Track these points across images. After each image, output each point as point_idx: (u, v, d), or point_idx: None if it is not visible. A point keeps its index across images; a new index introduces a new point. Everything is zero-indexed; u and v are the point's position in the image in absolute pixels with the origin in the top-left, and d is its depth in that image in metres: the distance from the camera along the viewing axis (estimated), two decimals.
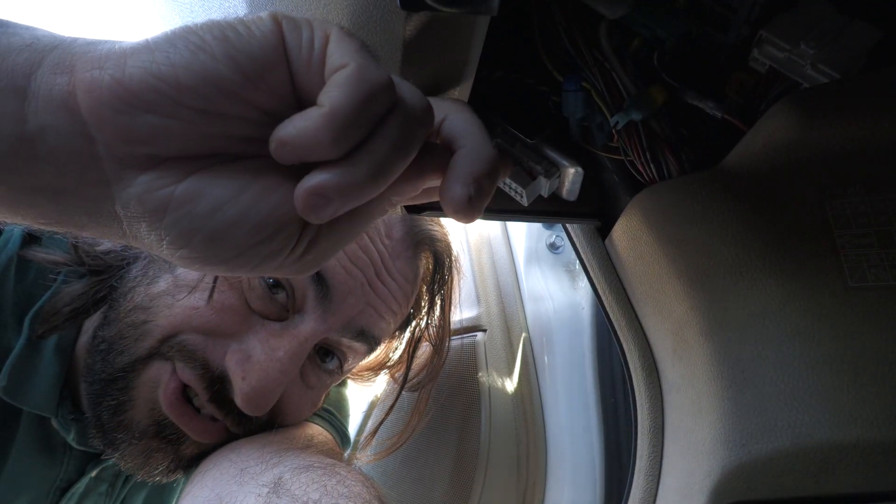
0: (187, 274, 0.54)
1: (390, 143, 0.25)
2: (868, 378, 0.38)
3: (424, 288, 0.67)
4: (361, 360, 0.63)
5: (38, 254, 0.58)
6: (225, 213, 0.26)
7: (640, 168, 0.47)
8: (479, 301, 0.86)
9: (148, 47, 0.24)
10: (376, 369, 0.77)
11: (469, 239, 0.91)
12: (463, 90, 0.34)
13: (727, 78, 0.46)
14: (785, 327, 0.41)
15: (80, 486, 0.61)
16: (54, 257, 0.58)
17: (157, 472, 0.56)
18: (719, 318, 0.44)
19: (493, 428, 0.78)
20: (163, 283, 0.55)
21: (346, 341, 0.58)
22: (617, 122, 0.45)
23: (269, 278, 0.54)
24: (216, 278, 0.54)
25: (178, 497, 0.72)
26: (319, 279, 0.54)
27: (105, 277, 0.58)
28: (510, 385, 0.82)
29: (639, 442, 0.53)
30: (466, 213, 0.27)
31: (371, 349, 0.61)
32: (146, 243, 0.27)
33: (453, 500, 0.78)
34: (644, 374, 0.52)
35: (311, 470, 0.43)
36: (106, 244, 0.60)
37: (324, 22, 0.26)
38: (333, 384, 0.65)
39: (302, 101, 0.26)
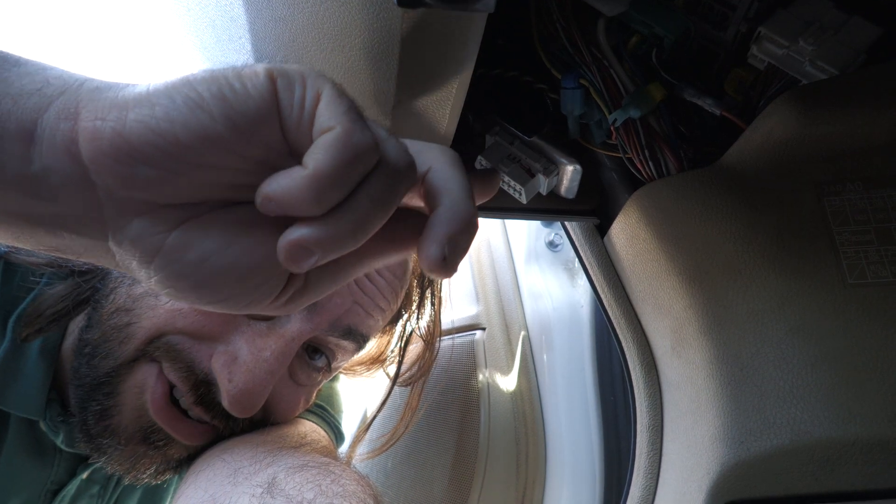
0: None
1: (371, 200, 0.27)
2: (867, 375, 0.38)
3: (415, 282, 0.67)
4: (351, 358, 0.63)
5: (22, 256, 0.58)
6: (212, 265, 0.28)
7: (639, 165, 0.47)
8: (478, 299, 0.86)
9: (149, 100, 0.26)
10: (368, 364, 0.76)
11: None
12: (460, 88, 0.33)
13: (726, 75, 0.46)
14: (784, 325, 0.41)
15: (72, 487, 0.60)
16: (38, 259, 0.58)
17: (145, 475, 0.56)
18: (718, 315, 0.44)
19: (492, 426, 0.78)
20: (144, 285, 0.53)
21: (333, 339, 0.58)
22: (615, 120, 0.45)
23: None
24: None
25: (172, 497, 0.71)
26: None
27: (88, 278, 0.58)
28: (509, 383, 0.82)
29: (638, 439, 0.53)
30: (440, 271, 0.28)
31: (359, 347, 0.61)
32: (137, 275, 0.29)
33: (453, 498, 0.78)
34: (643, 371, 0.52)
35: (306, 469, 0.43)
36: None
37: (318, 78, 0.27)
38: (324, 381, 0.64)
39: (293, 150, 0.28)
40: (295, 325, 0.54)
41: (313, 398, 0.64)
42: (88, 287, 0.58)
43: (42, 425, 0.57)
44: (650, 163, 0.47)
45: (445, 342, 0.84)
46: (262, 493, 0.40)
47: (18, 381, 0.55)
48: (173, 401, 0.54)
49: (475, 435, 0.78)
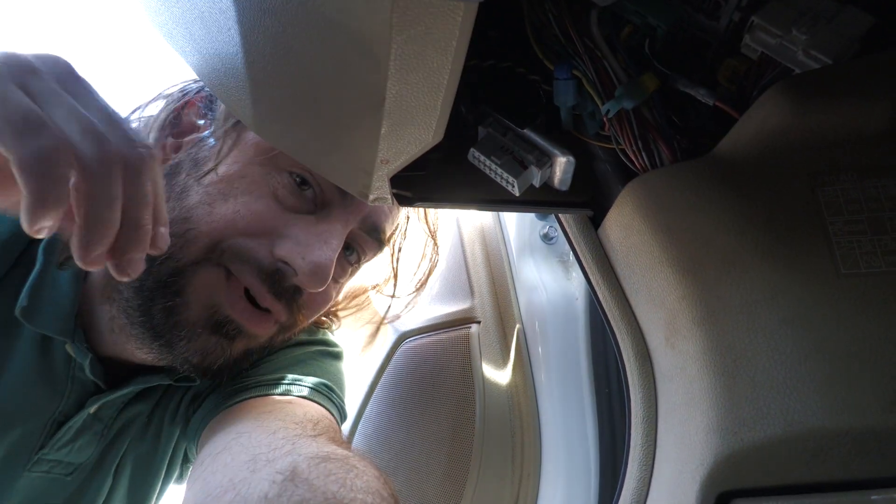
0: (216, 184, 0.59)
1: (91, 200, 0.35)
2: (860, 365, 0.38)
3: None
4: (372, 258, 0.70)
5: None
6: None
7: (632, 156, 0.47)
8: (472, 293, 0.86)
9: None
10: (371, 288, 0.83)
11: (462, 230, 0.91)
12: (452, 79, 0.33)
13: (719, 65, 0.45)
14: (777, 315, 0.41)
15: (78, 420, 0.62)
16: None
17: (209, 370, 0.60)
18: (712, 306, 0.44)
19: (486, 419, 0.79)
20: (194, 195, 0.59)
21: (362, 235, 0.65)
22: (608, 111, 0.45)
23: (297, 176, 0.59)
24: (238, 172, 0.59)
25: (187, 477, 0.73)
26: None
27: None
28: (504, 376, 0.82)
29: (632, 431, 0.53)
30: None
31: (379, 247, 0.68)
32: None
33: (447, 492, 0.79)
34: (637, 363, 0.52)
35: (329, 461, 0.43)
36: None
37: None
38: (351, 278, 0.71)
39: None
40: (341, 214, 0.61)
41: (340, 295, 0.73)
42: None
43: (69, 348, 0.60)
44: (643, 154, 0.47)
45: (439, 336, 0.84)
46: (284, 480, 0.40)
47: (50, 303, 0.59)
48: (247, 296, 0.59)
49: (470, 428, 0.78)
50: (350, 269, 0.68)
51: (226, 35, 0.41)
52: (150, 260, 0.56)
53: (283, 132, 0.46)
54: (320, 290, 0.59)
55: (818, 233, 0.41)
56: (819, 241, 0.41)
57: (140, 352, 0.60)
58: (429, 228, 0.79)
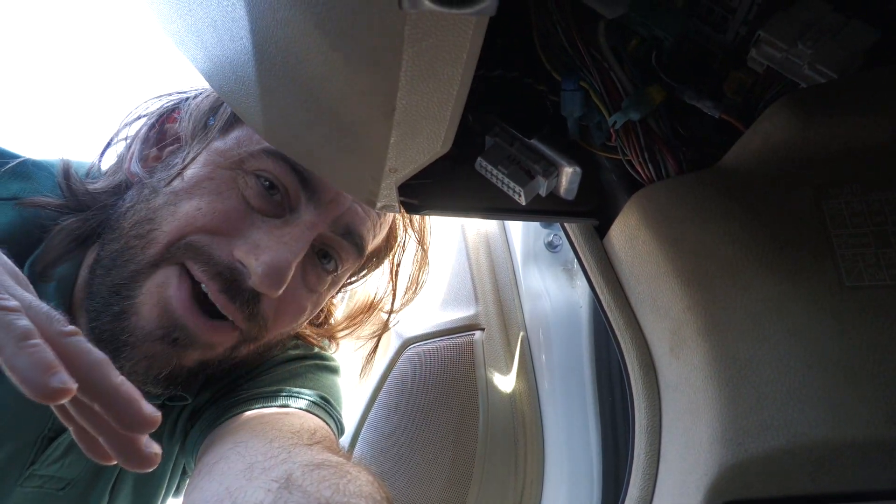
0: (183, 186, 0.58)
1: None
2: (864, 377, 0.38)
3: (399, 223, 0.73)
4: (353, 266, 0.68)
5: (37, 198, 0.60)
6: None
7: (638, 167, 0.47)
8: (476, 300, 0.86)
9: None
10: (369, 310, 0.80)
11: (467, 237, 0.91)
12: (461, 89, 0.34)
13: (725, 77, 0.46)
14: (782, 327, 0.41)
15: (67, 437, 0.61)
16: (50, 199, 0.61)
17: (159, 379, 0.57)
18: (716, 317, 0.44)
19: (490, 426, 0.79)
20: (161, 197, 0.58)
21: (337, 239, 0.62)
22: (615, 122, 0.45)
23: (265, 179, 0.59)
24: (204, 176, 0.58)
25: (175, 483, 0.73)
26: (305, 182, 0.59)
27: (100, 208, 0.61)
28: (508, 384, 0.82)
29: (636, 440, 0.53)
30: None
31: (359, 253, 0.65)
32: None
33: (450, 498, 0.79)
34: (641, 372, 0.52)
35: (322, 468, 0.44)
36: (97, 183, 0.63)
37: None
38: (332, 290, 0.69)
39: None
40: (307, 216, 0.59)
41: (319, 307, 0.69)
42: (101, 216, 0.61)
43: None
44: (649, 165, 0.47)
45: (444, 342, 0.85)
46: (279, 488, 0.40)
47: None
48: (199, 300, 0.56)
49: (473, 434, 0.78)
50: (329, 278, 0.65)
51: (238, 43, 0.41)
52: (109, 267, 0.56)
53: (293, 139, 0.46)
54: (276, 293, 0.57)
55: (822, 245, 0.41)
56: (823, 254, 0.41)
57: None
58: (417, 238, 0.77)
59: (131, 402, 0.35)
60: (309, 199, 0.59)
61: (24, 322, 0.33)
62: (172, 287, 0.55)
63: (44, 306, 0.36)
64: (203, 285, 0.56)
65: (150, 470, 0.37)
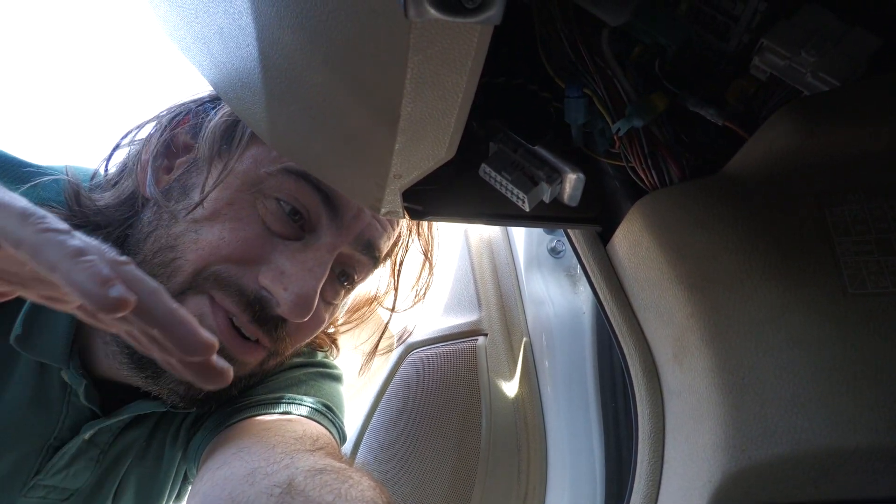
0: (204, 211, 0.58)
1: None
2: (868, 384, 0.38)
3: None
4: (368, 275, 0.69)
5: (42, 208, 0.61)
6: None
7: (642, 174, 0.48)
8: (479, 305, 0.86)
9: None
10: (369, 304, 0.82)
11: (470, 243, 0.91)
12: (466, 97, 0.34)
13: (728, 85, 0.46)
14: (785, 334, 0.41)
15: (72, 446, 0.61)
16: (56, 210, 0.60)
17: (195, 400, 0.60)
18: (720, 324, 0.44)
19: (493, 432, 0.79)
20: (182, 224, 0.59)
21: (356, 255, 0.63)
22: (618, 129, 0.45)
23: (285, 203, 0.59)
24: (226, 204, 0.59)
25: (176, 488, 0.73)
26: (329, 201, 0.59)
27: (110, 230, 0.61)
28: (511, 390, 0.82)
29: (639, 447, 0.53)
30: None
31: (375, 264, 0.67)
32: None
33: None
34: (645, 379, 0.52)
35: (324, 473, 0.44)
36: (105, 199, 0.63)
37: None
38: (346, 298, 0.70)
39: None
40: (329, 239, 0.60)
41: (335, 315, 0.72)
42: (112, 236, 0.61)
43: (65, 374, 0.59)
44: (653, 172, 0.47)
45: (446, 347, 0.85)
46: (281, 493, 0.41)
47: (45, 330, 0.58)
48: (233, 325, 0.58)
49: (476, 440, 0.78)
50: (343, 291, 0.67)
51: (244, 51, 0.42)
52: None
53: (298, 146, 0.46)
54: (304, 320, 0.59)
55: (826, 253, 0.41)
56: (827, 261, 0.41)
57: (131, 379, 0.60)
58: (423, 246, 0.78)
59: (189, 326, 0.35)
60: (331, 219, 0.60)
61: (77, 241, 0.33)
62: (209, 318, 0.57)
63: (94, 240, 0.36)
64: (234, 318, 0.58)
65: (226, 386, 0.38)
